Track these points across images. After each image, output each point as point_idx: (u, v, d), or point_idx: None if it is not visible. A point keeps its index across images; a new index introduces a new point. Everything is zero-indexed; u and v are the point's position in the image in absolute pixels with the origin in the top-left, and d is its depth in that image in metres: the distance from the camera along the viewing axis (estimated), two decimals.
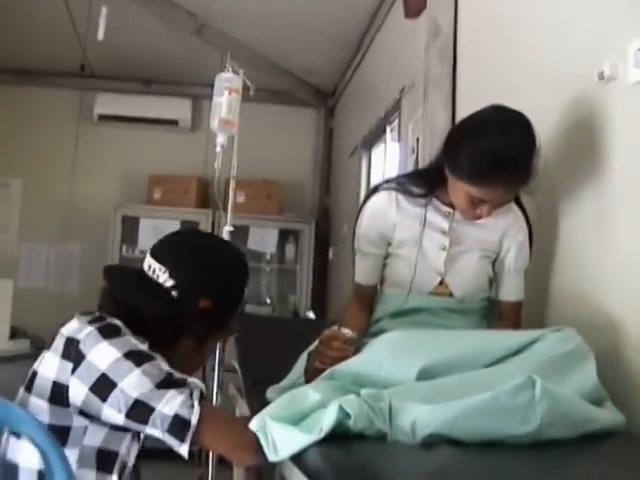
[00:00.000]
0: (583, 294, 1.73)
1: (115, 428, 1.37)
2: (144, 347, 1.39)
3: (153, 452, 1.74)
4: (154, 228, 5.30)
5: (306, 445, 1.12)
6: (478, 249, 1.78)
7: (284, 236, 5.57)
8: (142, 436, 1.47)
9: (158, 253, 1.53)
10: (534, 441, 1.17)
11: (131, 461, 1.47)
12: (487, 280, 1.82)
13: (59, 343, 1.38)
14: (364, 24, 4.41)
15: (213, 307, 1.51)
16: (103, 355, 1.33)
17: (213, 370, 2.81)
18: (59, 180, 5.53)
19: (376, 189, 1.83)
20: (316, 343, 1.67)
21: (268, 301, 5.48)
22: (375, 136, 4.30)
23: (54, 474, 1.27)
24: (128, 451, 1.44)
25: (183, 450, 1.31)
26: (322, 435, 1.12)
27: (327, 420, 1.14)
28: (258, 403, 1.57)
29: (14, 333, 3.77)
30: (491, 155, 1.54)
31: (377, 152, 4.42)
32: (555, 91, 1.93)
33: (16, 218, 5.52)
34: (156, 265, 1.50)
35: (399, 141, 3.63)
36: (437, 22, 2.77)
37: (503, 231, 1.77)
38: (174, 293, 1.48)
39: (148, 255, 1.54)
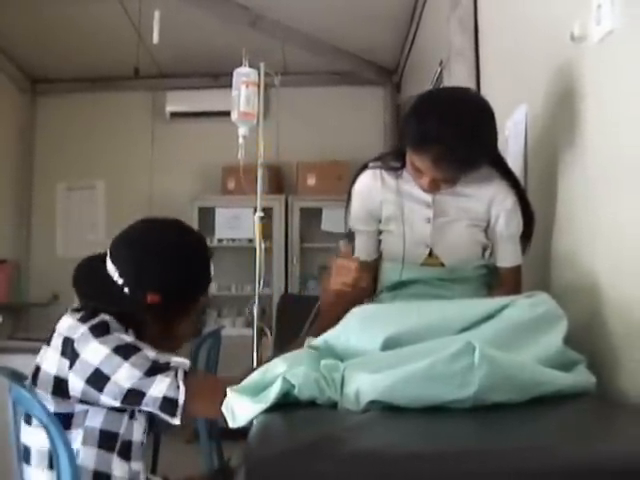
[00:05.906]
0: (576, 258, 1.72)
1: (113, 409, 1.52)
2: (130, 339, 1.51)
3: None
4: (230, 217, 5.51)
5: (258, 413, 1.22)
6: (465, 218, 1.80)
7: None
8: (144, 414, 1.61)
9: (111, 252, 1.60)
10: (476, 405, 1.19)
11: (136, 438, 1.60)
12: (480, 248, 1.85)
13: (58, 341, 1.53)
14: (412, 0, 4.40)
15: (162, 300, 1.56)
16: (95, 353, 1.48)
17: None
18: (138, 178, 5.74)
19: (363, 168, 1.88)
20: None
21: None
22: None
23: (57, 450, 1.46)
24: (128, 431, 1.57)
25: (175, 422, 1.49)
26: (268, 404, 1.21)
27: (273, 390, 1.24)
28: None
29: None
30: (423, 132, 1.60)
31: None
32: (556, 56, 1.90)
33: (103, 217, 5.80)
34: (110, 266, 1.59)
35: None
36: None
37: (489, 200, 1.79)
38: (126, 290, 1.56)
39: (108, 254, 1.62)
